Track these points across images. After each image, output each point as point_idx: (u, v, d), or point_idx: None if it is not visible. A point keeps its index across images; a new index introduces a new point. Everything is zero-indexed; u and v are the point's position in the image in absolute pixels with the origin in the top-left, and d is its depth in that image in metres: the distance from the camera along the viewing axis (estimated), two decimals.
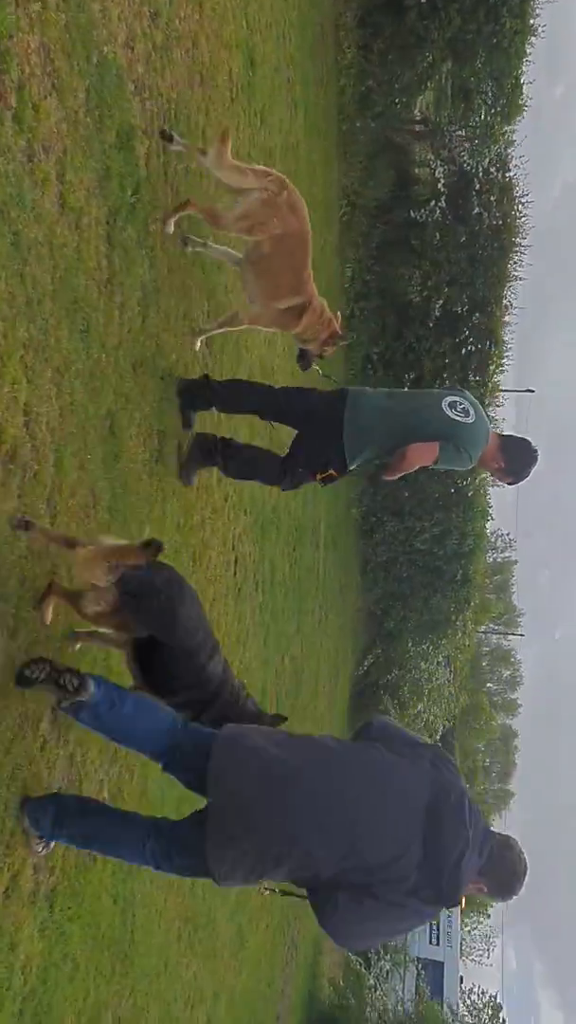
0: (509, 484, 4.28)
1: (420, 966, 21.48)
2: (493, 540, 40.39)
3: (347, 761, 2.78)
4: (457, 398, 4.02)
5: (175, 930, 4.89)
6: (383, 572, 15.67)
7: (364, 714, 16.38)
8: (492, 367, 14.16)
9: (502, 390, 16.47)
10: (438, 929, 25.27)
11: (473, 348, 13.76)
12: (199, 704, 3.07)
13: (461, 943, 32.71)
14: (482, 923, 47.05)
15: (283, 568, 8.04)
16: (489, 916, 47.62)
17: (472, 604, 15.97)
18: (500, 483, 4.61)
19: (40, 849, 2.86)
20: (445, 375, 13.63)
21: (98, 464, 3.31)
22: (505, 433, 4.23)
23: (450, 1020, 11.79)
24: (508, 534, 49.39)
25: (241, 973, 6.89)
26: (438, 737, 18.79)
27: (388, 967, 18.53)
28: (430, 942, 24.85)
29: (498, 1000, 19.59)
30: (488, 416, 4.25)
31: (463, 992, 22.64)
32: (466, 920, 38.76)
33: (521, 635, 56.95)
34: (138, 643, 2.96)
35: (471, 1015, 19.16)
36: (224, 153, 3.62)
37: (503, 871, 2.81)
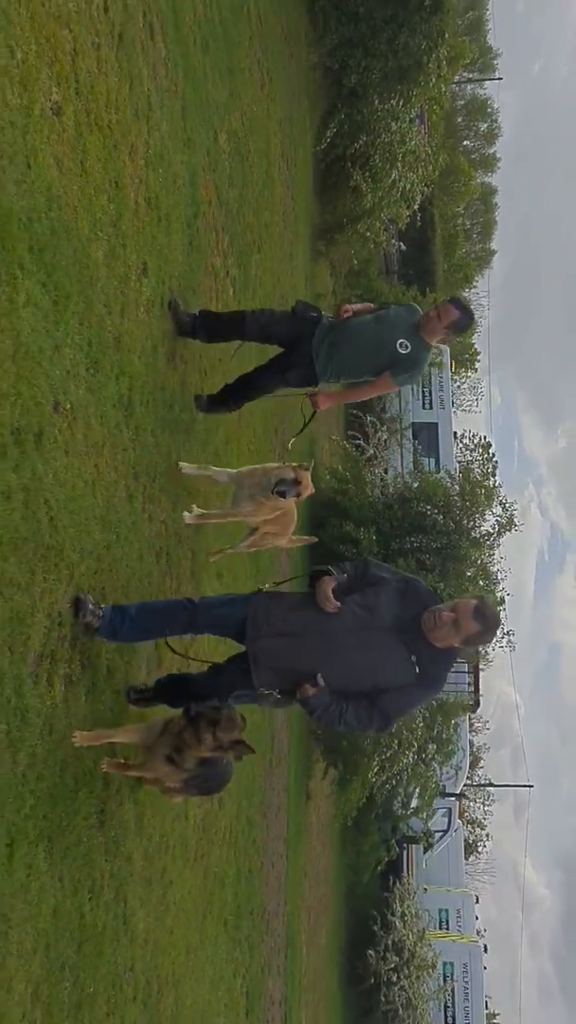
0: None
1: (415, 431, 22.54)
2: None
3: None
4: None
5: None
6: (335, 11, 12.68)
7: (333, 195, 14.59)
8: None
9: None
10: (430, 394, 26.02)
11: None
12: None
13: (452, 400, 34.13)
14: (470, 376, 49.65)
15: (194, 3, 5.89)
16: (476, 370, 50.13)
17: (447, 37, 13.17)
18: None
19: None
20: None
21: None
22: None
23: (449, 484, 12.07)
24: None
25: None
26: (416, 207, 16.97)
27: (386, 436, 19.29)
28: (423, 407, 25.76)
29: (487, 440, 21.70)
30: None
31: (456, 438, 24.10)
32: (455, 377, 40.62)
33: (498, 79, 51.41)
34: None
35: (465, 455, 20.69)
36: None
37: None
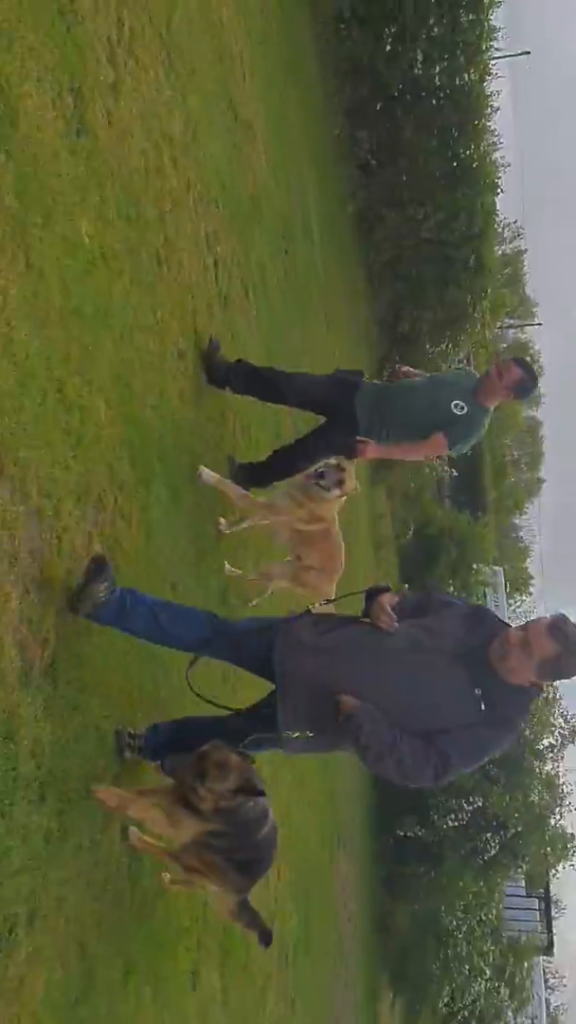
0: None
1: None
2: (501, 230, 37.66)
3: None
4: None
5: None
6: (390, 273, 14.52)
7: None
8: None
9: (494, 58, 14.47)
10: None
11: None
12: None
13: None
14: (525, 600, 50.14)
15: (276, 272, 7.11)
16: (531, 594, 50.62)
17: (489, 292, 14.87)
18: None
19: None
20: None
21: None
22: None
23: None
24: (516, 222, 45.96)
25: None
26: None
27: None
28: None
29: None
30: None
31: None
32: (510, 601, 41.30)
33: (538, 324, 55.51)
34: None
35: None
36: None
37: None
